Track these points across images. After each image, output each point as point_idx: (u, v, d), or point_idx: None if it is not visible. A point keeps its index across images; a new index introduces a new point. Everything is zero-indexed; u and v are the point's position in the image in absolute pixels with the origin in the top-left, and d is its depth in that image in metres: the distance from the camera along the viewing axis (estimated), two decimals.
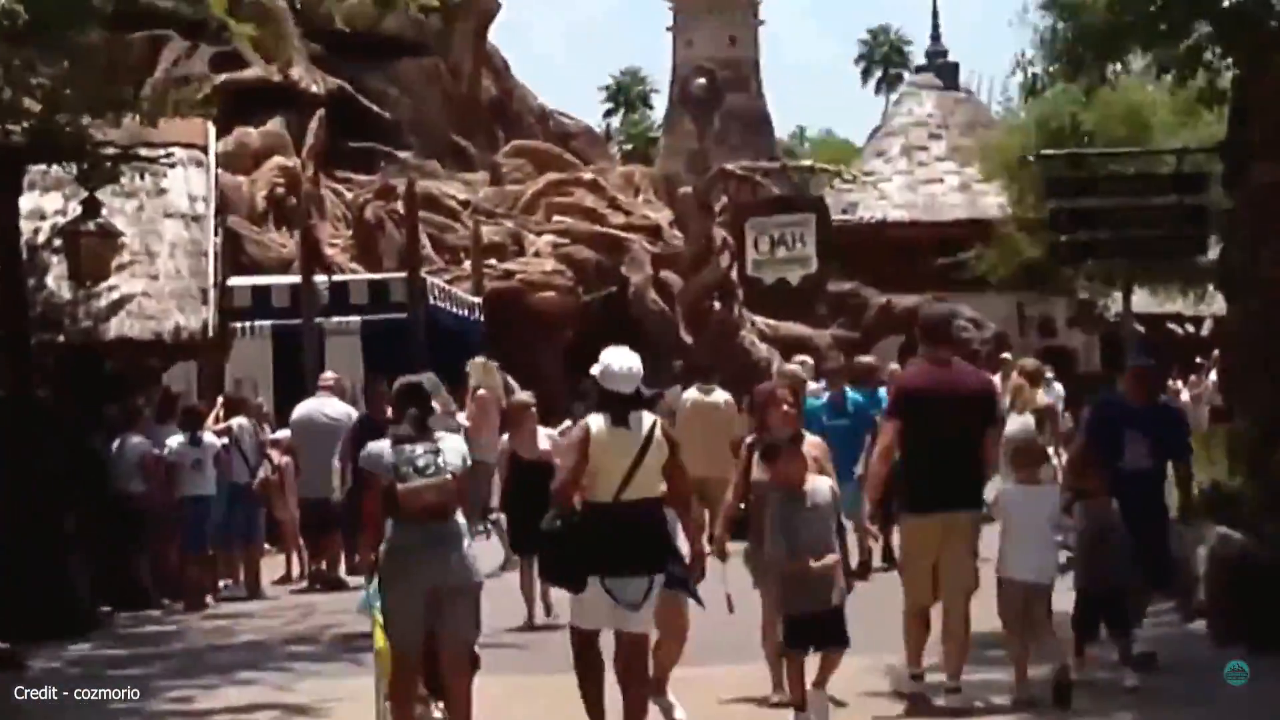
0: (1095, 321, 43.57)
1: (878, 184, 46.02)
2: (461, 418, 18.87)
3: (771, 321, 36.15)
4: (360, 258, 31.04)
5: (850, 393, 17.87)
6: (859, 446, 15.78)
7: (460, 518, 9.69)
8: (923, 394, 11.05)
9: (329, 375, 18.30)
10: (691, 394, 18.83)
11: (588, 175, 37.69)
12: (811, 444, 10.82)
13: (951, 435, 10.79)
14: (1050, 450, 16.55)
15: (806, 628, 9.98)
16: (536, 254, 32.94)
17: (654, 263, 34.77)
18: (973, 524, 10.88)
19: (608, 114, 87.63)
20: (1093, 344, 44.95)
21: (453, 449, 9.76)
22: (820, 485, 10.28)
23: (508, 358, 22.87)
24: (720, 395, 18.49)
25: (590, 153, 41.62)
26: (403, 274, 23.82)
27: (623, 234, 35.17)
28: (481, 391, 19.38)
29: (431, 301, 23.37)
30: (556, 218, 35.62)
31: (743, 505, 11.15)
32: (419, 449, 9.55)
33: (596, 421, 9.42)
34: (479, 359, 19.58)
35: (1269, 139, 14.63)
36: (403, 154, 36.48)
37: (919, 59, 60.45)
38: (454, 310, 24.87)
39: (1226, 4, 14.67)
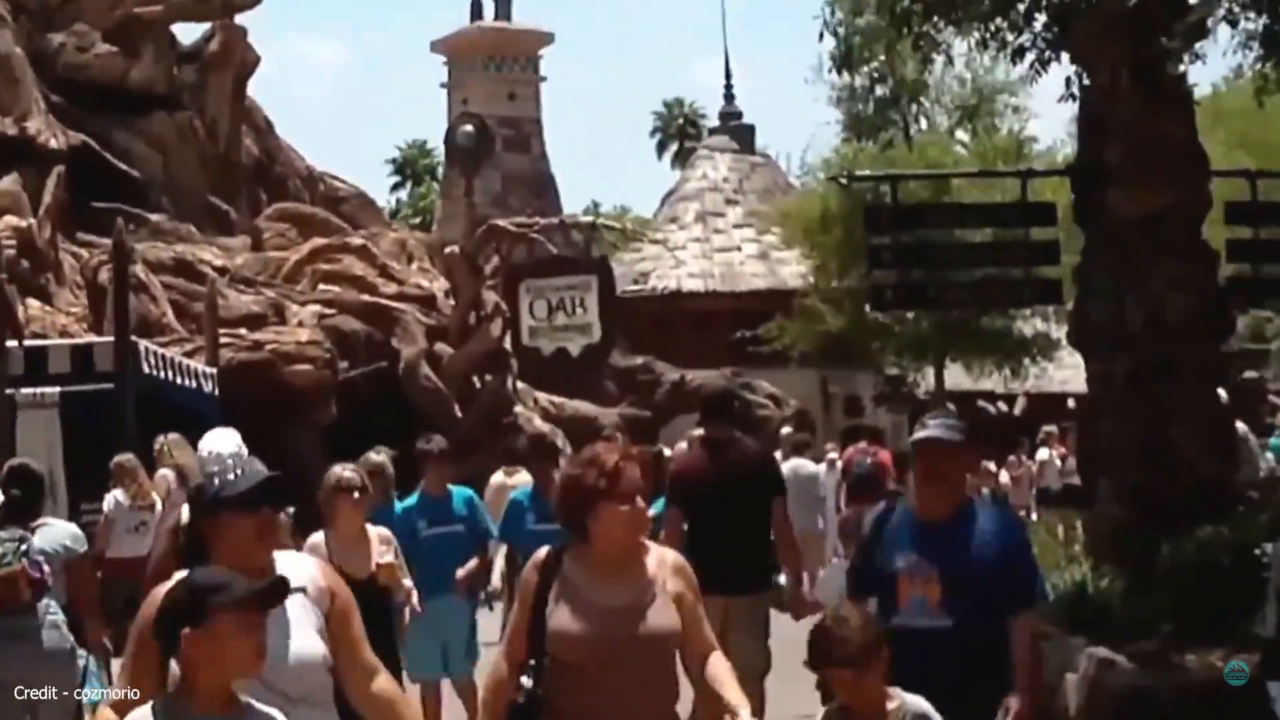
0: (904, 399, 41.71)
1: (672, 250, 43.72)
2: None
3: (555, 399, 33.48)
4: (95, 325, 28.18)
5: None
6: None
7: (54, 612, 9.54)
8: (697, 476, 11.10)
9: None
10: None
11: (357, 241, 34.81)
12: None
13: (732, 514, 10.73)
14: None
15: None
16: (300, 324, 29.96)
17: (428, 335, 31.95)
18: (752, 606, 10.88)
19: (395, 188, 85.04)
20: (902, 424, 42.96)
21: (50, 537, 9.83)
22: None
23: (253, 438, 20.22)
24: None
25: (361, 217, 38.77)
26: (109, 339, 20.66)
27: (394, 304, 32.32)
28: (162, 473, 15.98)
29: (148, 371, 20.24)
30: (322, 286, 32.77)
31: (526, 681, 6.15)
32: (2, 535, 9.39)
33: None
34: (172, 435, 16.27)
35: (1133, 161, 12.05)
36: (154, 216, 33.36)
37: (713, 125, 58.06)
38: (180, 382, 21.71)
39: None
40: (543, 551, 6.32)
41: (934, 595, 7.14)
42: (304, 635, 5.58)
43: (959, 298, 16.37)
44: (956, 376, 40.47)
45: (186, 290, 30.03)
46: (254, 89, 38.84)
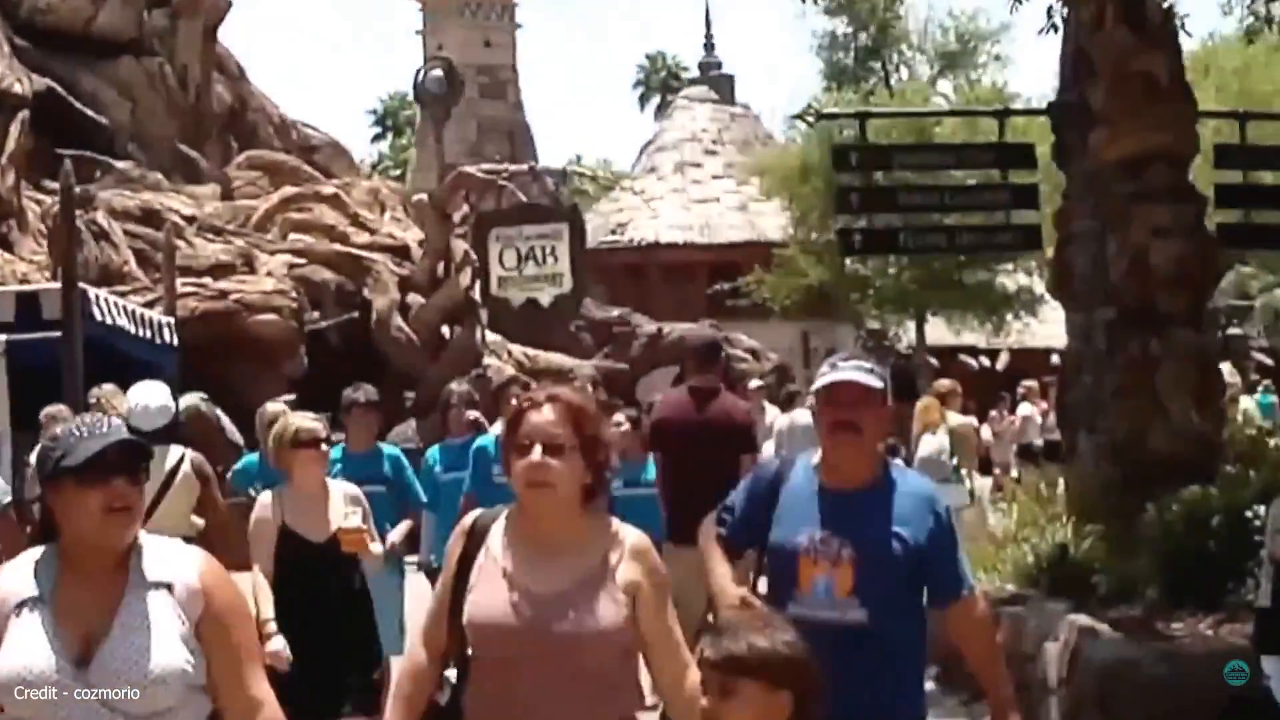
0: (886, 353, 41.23)
1: (649, 201, 43.12)
2: None
3: (530, 350, 32.79)
4: (56, 274, 27.56)
5: None
6: None
7: None
8: (677, 425, 11.12)
9: None
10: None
11: (329, 190, 34.05)
12: None
13: (706, 464, 10.43)
14: (964, 474, 14.90)
15: None
16: (269, 274, 29.27)
17: (401, 285, 31.23)
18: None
19: (376, 139, 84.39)
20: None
21: None
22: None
23: (216, 390, 19.79)
24: None
25: (334, 166, 38.05)
26: (57, 285, 19.91)
27: (366, 254, 31.58)
28: None
29: (101, 319, 19.48)
30: (293, 235, 32.03)
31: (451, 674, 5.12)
32: None
33: None
34: (107, 386, 15.46)
35: (1117, 99, 11.42)
36: (121, 163, 32.64)
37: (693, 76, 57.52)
38: (136, 332, 20.97)
39: None
40: (471, 516, 5.14)
41: (845, 581, 5.59)
42: (159, 643, 4.38)
43: (933, 243, 15.65)
44: (939, 331, 39.99)
45: (153, 239, 29.32)
46: (233, 38, 38.15)
